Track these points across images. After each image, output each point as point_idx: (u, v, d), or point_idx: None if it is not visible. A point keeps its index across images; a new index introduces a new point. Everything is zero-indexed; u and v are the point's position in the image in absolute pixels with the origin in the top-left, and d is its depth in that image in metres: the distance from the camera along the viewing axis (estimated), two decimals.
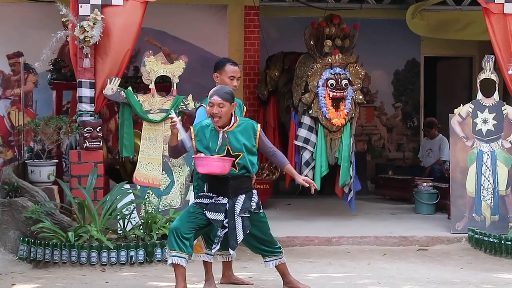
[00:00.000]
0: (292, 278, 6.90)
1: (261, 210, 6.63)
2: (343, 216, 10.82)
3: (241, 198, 6.48)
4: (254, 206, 6.51)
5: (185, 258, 6.40)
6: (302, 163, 10.38)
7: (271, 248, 6.75)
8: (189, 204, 6.55)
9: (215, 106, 6.39)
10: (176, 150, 6.68)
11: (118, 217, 8.43)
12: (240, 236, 6.44)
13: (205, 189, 6.61)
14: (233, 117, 6.51)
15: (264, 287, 7.07)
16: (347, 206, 10.86)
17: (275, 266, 6.80)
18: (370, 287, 7.16)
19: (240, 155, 6.44)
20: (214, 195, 6.49)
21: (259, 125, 6.62)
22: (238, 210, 6.43)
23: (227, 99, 6.42)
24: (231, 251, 6.55)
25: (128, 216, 8.48)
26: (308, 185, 6.64)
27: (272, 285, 7.12)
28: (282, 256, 6.82)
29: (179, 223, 6.43)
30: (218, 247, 6.57)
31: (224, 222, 6.44)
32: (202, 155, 6.44)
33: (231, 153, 6.42)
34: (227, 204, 6.44)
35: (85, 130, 8.79)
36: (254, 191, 6.59)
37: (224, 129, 6.46)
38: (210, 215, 6.44)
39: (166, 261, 6.93)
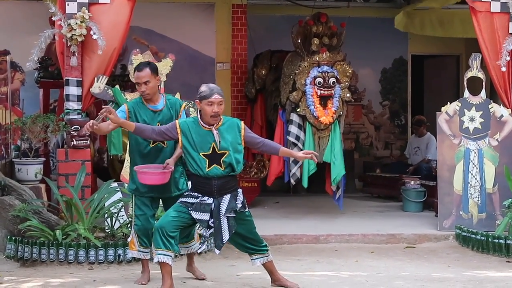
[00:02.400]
0: (280, 276, 6.92)
1: (247, 209, 6.63)
2: (331, 214, 10.83)
3: (226, 198, 6.46)
4: (239, 205, 6.51)
5: (171, 256, 6.43)
6: (291, 161, 10.38)
7: (257, 246, 6.76)
8: (174, 205, 6.55)
9: (216, 104, 6.39)
10: (139, 132, 6.62)
11: (106, 215, 8.42)
12: (226, 236, 6.44)
13: (190, 188, 6.59)
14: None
15: (251, 285, 7.07)
16: (335, 204, 10.88)
17: (262, 264, 6.82)
18: (358, 285, 7.17)
19: (225, 153, 6.43)
20: (199, 195, 6.47)
21: (242, 122, 6.63)
22: (223, 210, 6.42)
23: (223, 96, 6.47)
24: (216, 251, 6.56)
25: (116, 214, 8.47)
26: (310, 156, 6.64)
27: (259, 283, 7.12)
28: (269, 254, 6.83)
29: (164, 222, 6.42)
30: (203, 247, 6.59)
31: (210, 222, 6.43)
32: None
33: (217, 151, 6.40)
34: (213, 204, 6.43)
35: (72, 128, 8.77)
36: (239, 190, 6.58)
37: (214, 126, 6.45)
38: (196, 215, 6.43)
39: (153, 259, 6.94)
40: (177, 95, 9.07)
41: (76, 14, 8.65)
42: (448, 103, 9.81)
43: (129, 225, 8.36)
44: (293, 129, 10.38)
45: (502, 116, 9.67)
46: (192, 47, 13.14)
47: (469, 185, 9.62)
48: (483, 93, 9.82)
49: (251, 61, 12.95)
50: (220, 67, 13.17)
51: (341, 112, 10.40)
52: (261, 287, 7.00)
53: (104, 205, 8.41)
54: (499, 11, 9.61)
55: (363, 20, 14.03)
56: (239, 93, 13.12)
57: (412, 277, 7.58)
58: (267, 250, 6.81)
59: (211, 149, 6.41)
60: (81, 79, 8.86)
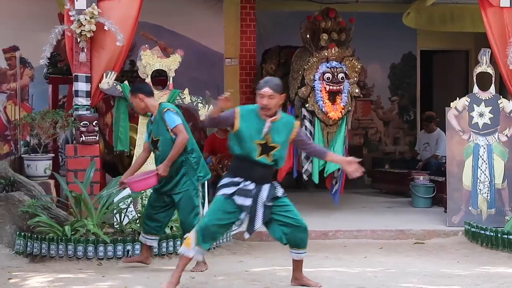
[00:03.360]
0: (303, 275, 6.88)
1: (286, 195, 6.68)
2: (340, 210, 10.82)
3: (266, 187, 6.51)
4: (280, 192, 6.61)
5: (204, 254, 6.66)
6: (303, 157, 10.37)
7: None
8: (216, 197, 6.58)
9: (266, 97, 6.41)
10: (213, 121, 6.62)
11: (115, 211, 8.43)
12: (258, 224, 6.48)
13: (232, 175, 6.59)
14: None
15: (260, 281, 7.07)
16: (342, 200, 10.88)
17: (294, 259, 6.80)
18: (367, 281, 7.16)
19: (276, 147, 6.48)
20: (241, 180, 6.50)
21: (297, 122, 6.73)
22: (264, 197, 6.47)
23: (277, 90, 6.46)
24: (246, 235, 6.59)
25: (125, 210, 8.47)
26: (355, 167, 6.59)
27: (268, 279, 7.13)
28: (305, 252, 6.78)
29: (210, 221, 6.46)
30: (237, 229, 6.63)
31: (248, 209, 6.46)
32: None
33: (269, 143, 6.46)
34: (254, 190, 6.47)
35: (81, 124, 8.79)
36: (275, 182, 6.64)
37: (271, 119, 6.48)
38: (239, 200, 6.44)
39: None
40: (186, 91, 9.10)
41: (85, 10, 8.65)
42: (457, 98, 9.79)
43: (138, 220, 8.38)
44: (307, 124, 10.37)
45: (511, 111, 9.64)
46: (201, 42, 13.13)
47: (478, 180, 9.60)
48: (492, 89, 9.80)
49: (259, 56, 12.93)
50: (228, 63, 13.17)
51: (349, 108, 10.39)
52: (270, 282, 7.01)
53: (113, 201, 8.41)
54: (509, 5, 9.56)
55: (372, 16, 13.98)
56: (247, 89, 13.10)
57: (421, 273, 7.57)
58: (305, 246, 6.77)
59: (265, 139, 6.46)
60: (90, 75, 8.87)
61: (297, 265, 6.84)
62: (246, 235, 6.60)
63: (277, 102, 6.47)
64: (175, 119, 7.32)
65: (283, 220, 6.61)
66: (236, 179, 6.51)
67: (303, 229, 6.70)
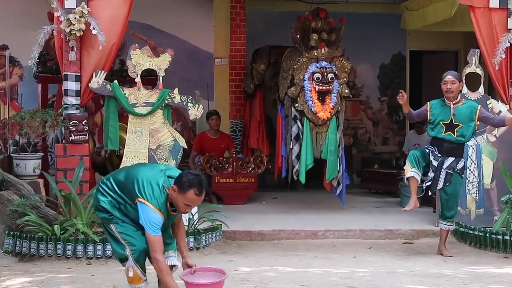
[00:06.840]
0: (444, 246, 8.64)
1: (463, 175, 8.65)
2: (329, 210, 10.84)
3: (451, 159, 8.38)
4: (459, 167, 8.42)
5: (419, 174, 8.40)
6: (293, 157, 10.37)
7: (449, 211, 8.59)
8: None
9: (449, 83, 8.38)
10: (408, 116, 8.81)
11: None
12: (440, 185, 8.42)
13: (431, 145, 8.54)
14: (459, 96, 8.45)
15: (250, 280, 7.08)
16: (333, 199, 10.89)
17: (441, 228, 8.69)
18: (356, 281, 7.18)
19: (459, 125, 8.31)
20: (434, 149, 8.42)
21: (480, 106, 8.51)
22: (445, 165, 8.35)
23: (458, 78, 8.44)
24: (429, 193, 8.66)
25: None
26: None
27: (257, 278, 7.14)
28: (453, 225, 8.71)
29: (416, 151, 8.52)
30: (429, 183, 8.48)
31: (434, 170, 8.38)
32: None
33: (453, 122, 8.33)
34: (440, 158, 8.37)
35: (70, 123, 8.77)
36: (463, 159, 8.52)
37: (453, 103, 8.33)
38: (431, 157, 8.41)
39: None
40: (175, 90, 9.09)
41: (75, 9, 8.63)
42: None
43: None
44: (294, 125, 10.37)
45: (500, 112, 9.65)
46: (191, 42, 13.13)
47: (467, 180, 9.62)
48: (481, 89, 9.83)
49: (249, 56, 12.94)
50: (218, 63, 13.17)
51: (339, 108, 10.40)
52: (260, 282, 7.01)
53: None
54: (498, 6, 9.60)
55: (362, 16, 14.01)
56: (237, 89, 13.11)
57: (410, 272, 7.59)
58: (453, 221, 8.64)
59: (449, 120, 8.36)
60: (79, 74, 8.85)
61: (442, 235, 8.71)
62: (429, 193, 8.69)
63: (458, 87, 8.41)
64: None
65: (449, 192, 8.50)
66: (432, 147, 8.45)
67: (453, 210, 8.63)
